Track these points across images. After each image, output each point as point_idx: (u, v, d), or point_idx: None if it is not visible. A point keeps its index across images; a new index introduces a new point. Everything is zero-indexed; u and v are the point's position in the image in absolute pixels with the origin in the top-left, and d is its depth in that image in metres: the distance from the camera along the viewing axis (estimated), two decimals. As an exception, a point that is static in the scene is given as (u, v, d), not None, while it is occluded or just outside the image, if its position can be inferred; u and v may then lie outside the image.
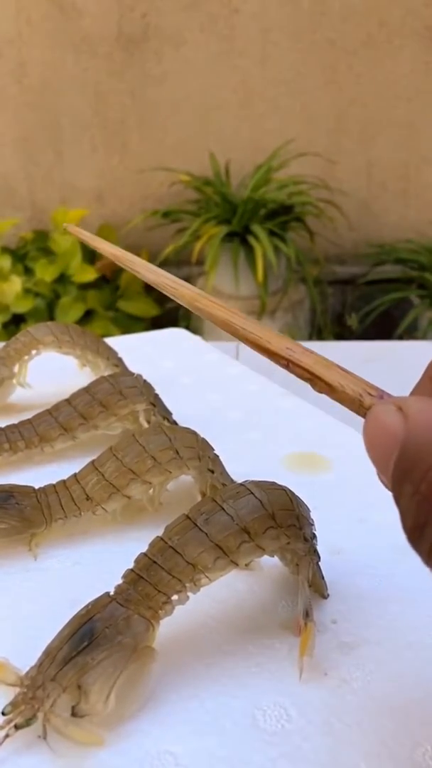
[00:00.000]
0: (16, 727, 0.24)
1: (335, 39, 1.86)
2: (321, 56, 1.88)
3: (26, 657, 0.28)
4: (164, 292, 0.25)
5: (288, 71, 1.89)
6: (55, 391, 0.54)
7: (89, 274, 1.74)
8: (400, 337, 1.69)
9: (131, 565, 0.33)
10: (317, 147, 1.90)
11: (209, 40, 1.87)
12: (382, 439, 0.19)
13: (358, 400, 0.21)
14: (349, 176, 1.94)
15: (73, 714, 0.24)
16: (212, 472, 0.37)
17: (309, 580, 0.29)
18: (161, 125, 1.94)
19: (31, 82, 1.92)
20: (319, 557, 0.31)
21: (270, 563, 0.33)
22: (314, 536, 0.31)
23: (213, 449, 0.38)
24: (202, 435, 0.38)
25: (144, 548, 0.34)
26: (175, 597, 0.27)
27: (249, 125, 1.94)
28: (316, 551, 0.31)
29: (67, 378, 0.56)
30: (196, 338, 0.67)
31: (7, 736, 0.24)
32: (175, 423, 0.45)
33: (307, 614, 0.28)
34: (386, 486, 0.22)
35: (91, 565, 0.33)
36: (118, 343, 0.55)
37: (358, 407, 0.21)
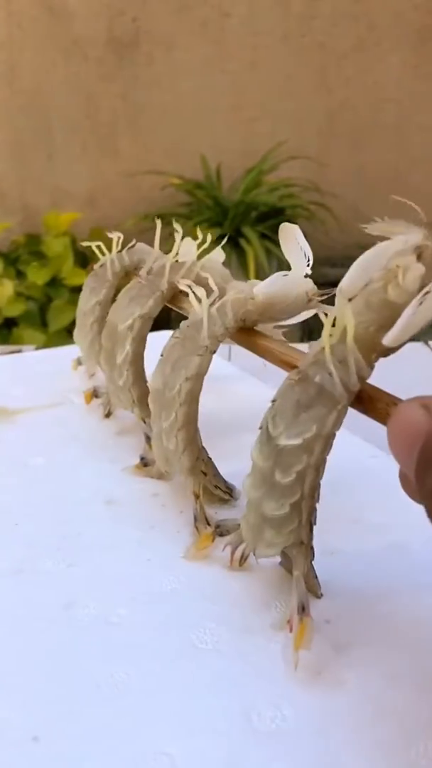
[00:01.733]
0: None
1: (325, 43, 1.87)
2: (311, 60, 1.89)
3: (19, 659, 0.28)
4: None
5: (278, 75, 1.90)
6: (48, 393, 0.54)
7: (81, 278, 1.73)
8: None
9: (127, 568, 0.33)
10: (308, 150, 1.91)
11: (200, 43, 1.87)
12: (407, 432, 0.21)
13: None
14: (339, 179, 1.95)
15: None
16: (205, 474, 0.37)
17: (305, 575, 0.30)
18: (152, 128, 1.94)
19: (22, 86, 1.92)
20: (313, 556, 0.31)
21: (264, 563, 0.33)
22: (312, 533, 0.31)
23: (206, 451, 0.38)
24: (195, 437, 0.38)
25: (139, 549, 0.34)
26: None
27: (240, 128, 1.94)
28: (312, 548, 0.31)
29: (61, 380, 0.56)
30: (189, 341, 0.67)
31: None
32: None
33: (303, 609, 0.28)
34: (405, 487, 0.22)
35: (86, 567, 0.33)
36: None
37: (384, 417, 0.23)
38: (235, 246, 1.66)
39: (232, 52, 1.89)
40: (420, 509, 0.38)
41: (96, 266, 0.49)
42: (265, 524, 0.29)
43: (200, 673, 0.27)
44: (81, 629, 0.29)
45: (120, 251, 0.47)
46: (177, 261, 0.42)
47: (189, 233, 0.43)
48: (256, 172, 1.80)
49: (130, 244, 0.48)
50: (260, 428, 0.29)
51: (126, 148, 1.96)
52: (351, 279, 0.26)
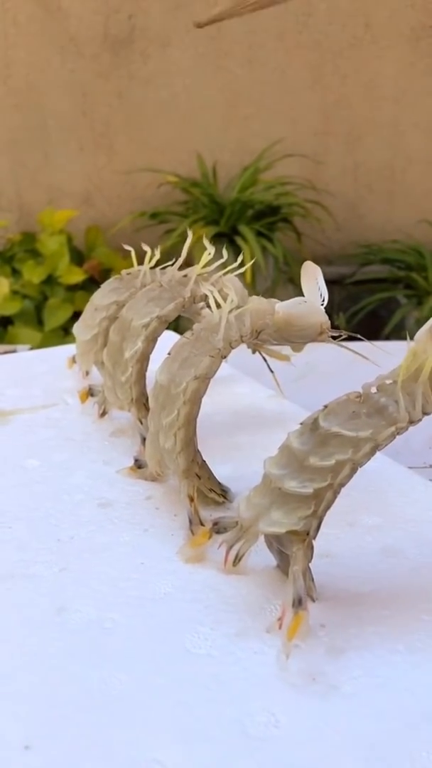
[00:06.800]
0: None
1: (321, 40, 1.87)
2: (307, 57, 1.88)
3: (10, 665, 0.28)
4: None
5: (274, 72, 1.90)
6: (43, 394, 0.53)
7: (77, 276, 1.73)
8: (387, 337, 1.69)
9: (120, 572, 0.33)
10: (304, 148, 1.90)
11: (195, 41, 1.87)
12: None
13: None
14: (335, 177, 1.94)
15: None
16: (199, 477, 0.37)
17: (303, 573, 0.29)
18: (148, 126, 1.94)
19: (18, 84, 1.91)
20: (312, 557, 0.31)
21: (258, 567, 0.33)
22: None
23: (201, 454, 0.38)
24: (189, 439, 0.38)
25: (133, 552, 0.34)
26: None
27: (236, 126, 1.94)
28: (312, 547, 0.30)
29: (56, 380, 0.56)
30: (184, 341, 0.66)
31: None
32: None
33: (300, 602, 0.28)
34: None
35: (79, 571, 0.33)
36: (105, 346, 0.55)
37: None
38: (231, 244, 1.66)
39: (227, 50, 1.88)
40: (414, 512, 0.37)
41: (124, 272, 0.50)
42: (275, 504, 0.29)
43: (194, 678, 0.27)
44: (73, 634, 0.29)
45: (153, 268, 0.48)
46: (202, 274, 0.43)
47: (185, 231, 0.43)
48: (252, 170, 1.79)
49: (162, 266, 0.49)
50: (301, 424, 0.30)
51: (122, 146, 1.96)
52: None
